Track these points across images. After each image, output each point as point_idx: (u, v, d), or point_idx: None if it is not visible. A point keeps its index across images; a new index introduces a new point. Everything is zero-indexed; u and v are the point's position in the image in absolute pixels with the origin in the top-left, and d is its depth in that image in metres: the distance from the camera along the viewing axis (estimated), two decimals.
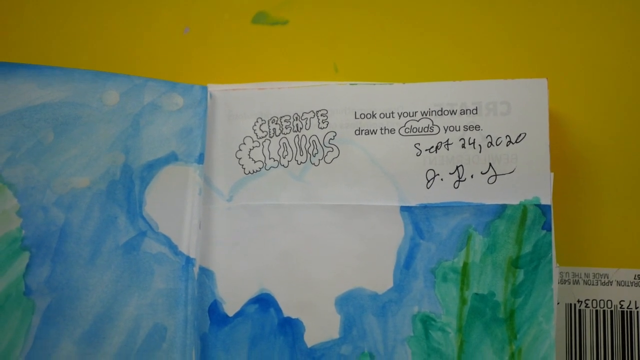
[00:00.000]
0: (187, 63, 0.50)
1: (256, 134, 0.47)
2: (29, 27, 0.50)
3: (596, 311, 0.47)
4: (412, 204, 0.46)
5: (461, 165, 0.45)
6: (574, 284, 0.48)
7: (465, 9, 0.48)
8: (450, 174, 0.45)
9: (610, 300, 0.47)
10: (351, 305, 0.46)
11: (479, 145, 0.45)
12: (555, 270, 0.44)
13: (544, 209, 0.44)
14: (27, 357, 0.44)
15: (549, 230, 0.44)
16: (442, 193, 0.46)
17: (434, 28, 0.49)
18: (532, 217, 0.44)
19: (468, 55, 0.48)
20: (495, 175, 0.45)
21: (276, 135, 0.47)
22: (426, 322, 0.45)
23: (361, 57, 0.49)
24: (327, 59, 0.50)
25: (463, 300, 0.45)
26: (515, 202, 0.45)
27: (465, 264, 0.45)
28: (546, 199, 0.44)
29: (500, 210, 0.45)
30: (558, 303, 0.46)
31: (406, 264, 0.46)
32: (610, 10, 0.48)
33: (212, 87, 0.48)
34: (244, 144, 0.47)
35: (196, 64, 0.50)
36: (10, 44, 0.50)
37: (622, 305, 0.47)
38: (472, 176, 0.45)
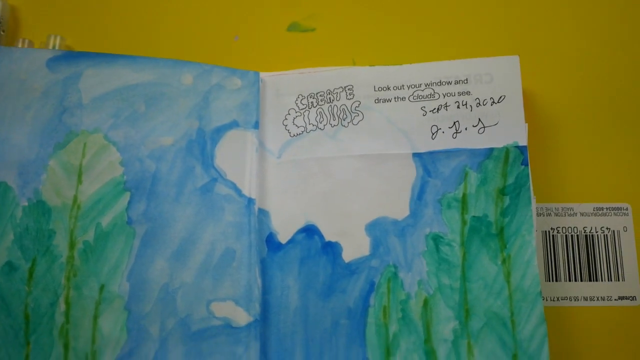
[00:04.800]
0: (240, 61, 0.62)
1: (298, 106, 0.58)
2: (127, 27, 0.62)
3: (565, 236, 0.58)
4: (421, 151, 0.56)
5: (457, 121, 0.56)
6: (547, 216, 0.58)
7: (454, 5, 0.63)
8: (449, 127, 0.56)
9: (576, 227, 0.58)
10: (377, 229, 0.56)
11: (470, 105, 0.56)
12: (534, 203, 0.54)
13: (521, 149, 0.55)
14: (130, 271, 0.53)
15: (526, 165, 0.54)
16: (444, 142, 0.56)
17: (431, 26, 0.62)
18: (513, 156, 0.55)
19: (460, 41, 0.61)
20: (484, 127, 0.56)
21: (314, 107, 0.58)
22: (436, 239, 0.55)
23: (374, 52, 0.61)
24: (347, 55, 0.62)
25: (464, 222, 0.55)
26: (500, 145, 0.55)
27: (464, 195, 0.55)
28: (523, 142, 0.55)
29: (489, 152, 0.55)
30: (536, 231, 0.56)
31: (419, 196, 0.56)
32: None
33: (262, 74, 0.59)
34: (289, 114, 0.58)
35: (246, 62, 0.61)
36: (112, 40, 0.62)
37: (585, 231, 0.58)
38: (466, 129, 0.56)
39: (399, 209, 0.56)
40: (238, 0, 0.63)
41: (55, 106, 0.56)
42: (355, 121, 0.57)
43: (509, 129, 0.55)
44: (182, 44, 0.62)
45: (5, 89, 0.55)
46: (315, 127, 0.58)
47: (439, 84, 0.57)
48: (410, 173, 0.56)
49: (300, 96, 0.58)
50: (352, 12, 0.62)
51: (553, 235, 0.58)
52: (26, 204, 0.54)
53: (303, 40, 0.62)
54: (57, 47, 0.59)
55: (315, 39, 0.62)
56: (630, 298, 0.56)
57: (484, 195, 0.55)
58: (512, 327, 0.53)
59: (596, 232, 0.58)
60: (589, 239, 0.58)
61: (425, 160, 0.56)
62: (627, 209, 0.58)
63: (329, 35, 0.62)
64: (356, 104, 0.57)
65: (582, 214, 0.58)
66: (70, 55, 0.57)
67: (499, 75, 0.56)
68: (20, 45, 0.59)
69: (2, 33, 0.59)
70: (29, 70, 0.56)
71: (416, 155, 0.56)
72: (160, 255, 0.54)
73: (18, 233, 0.54)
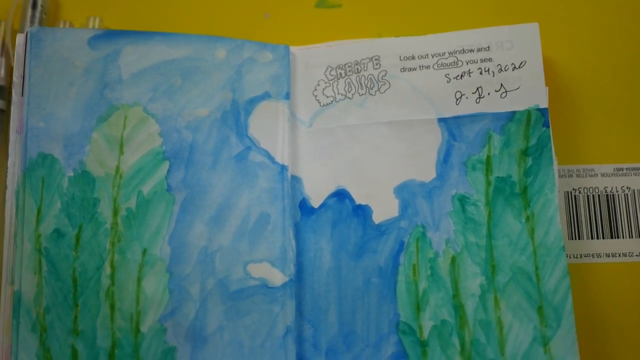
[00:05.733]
0: (270, 37, 0.64)
1: (327, 77, 0.61)
2: (161, 6, 0.66)
3: (587, 196, 0.60)
4: (446, 116, 0.58)
5: (480, 86, 0.58)
6: (568, 177, 0.60)
7: None
8: (472, 93, 0.58)
9: (597, 187, 0.60)
10: (406, 192, 0.58)
11: (492, 71, 0.58)
12: (555, 163, 0.56)
13: (543, 112, 0.57)
14: (171, 235, 0.56)
15: (548, 127, 0.57)
16: (468, 107, 0.58)
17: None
18: (535, 119, 0.57)
19: (481, 10, 0.64)
20: (506, 91, 0.58)
21: (342, 77, 0.60)
22: (462, 200, 0.57)
23: (398, 26, 0.64)
24: (373, 30, 0.64)
25: (488, 183, 0.57)
26: (522, 108, 0.57)
27: (488, 157, 0.58)
28: (544, 105, 0.57)
29: (511, 115, 0.57)
30: (558, 191, 0.58)
31: (444, 159, 0.58)
32: None
33: (292, 48, 0.62)
34: (318, 85, 0.60)
35: (276, 38, 0.64)
36: (148, 19, 0.65)
37: (606, 190, 0.60)
38: (489, 94, 0.58)
39: (426, 172, 0.58)
40: None
41: (97, 82, 0.58)
42: (382, 90, 0.59)
43: (530, 93, 0.57)
44: (215, 22, 0.65)
45: (50, 67, 0.58)
46: (344, 96, 0.60)
47: (462, 52, 0.59)
48: (436, 137, 0.58)
49: (329, 67, 0.60)
50: None
51: (575, 196, 0.60)
52: (72, 174, 0.57)
53: (330, 16, 0.65)
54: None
55: (342, 15, 0.65)
56: None
57: (507, 156, 0.57)
58: (537, 280, 0.55)
59: (617, 191, 0.60)
60: (610, 199, 0.60)
61: (450, 125, 0.58)
62: None
63: (355, 11, 0.65)
64: (383, 73, 0.60)
65: (602, 175, 0.60)
66: (110, 34, 0.59)
67: (519, 42, 0.58)
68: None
69: (44, 16, 0.62)
70: (71, 49, 0.59)
71: (441, 120, 0.58)
72: (199, 220, 0.57)
73: (65, 202, 0.56)
